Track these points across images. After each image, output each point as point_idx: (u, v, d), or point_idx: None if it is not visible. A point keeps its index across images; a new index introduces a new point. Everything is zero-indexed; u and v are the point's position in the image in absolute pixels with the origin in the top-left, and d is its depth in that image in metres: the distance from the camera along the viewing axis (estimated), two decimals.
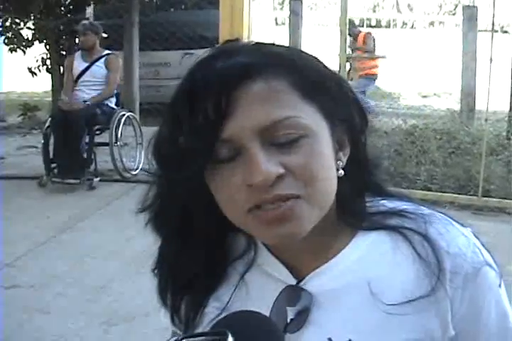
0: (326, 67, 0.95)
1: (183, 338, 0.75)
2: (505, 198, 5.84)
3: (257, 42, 0.94)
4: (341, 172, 0.93)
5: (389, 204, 1.00)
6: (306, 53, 0.95)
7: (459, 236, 0.96)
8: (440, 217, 0.98)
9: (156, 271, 1.06)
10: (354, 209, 0.98)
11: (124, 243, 4.85)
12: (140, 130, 7.35)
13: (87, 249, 5.01)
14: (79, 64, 7.08)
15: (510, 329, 0.99)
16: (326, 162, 0.89)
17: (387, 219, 0.98)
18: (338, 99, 0.93)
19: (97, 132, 6.92)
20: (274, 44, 0.95)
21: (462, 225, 0.99)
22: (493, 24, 6.19)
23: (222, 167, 0.88)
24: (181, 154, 0.89)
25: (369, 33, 10.97)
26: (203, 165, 0.88)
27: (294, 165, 0.86)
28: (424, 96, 13.46)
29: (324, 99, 0.90)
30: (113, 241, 5.09)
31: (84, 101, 6.69)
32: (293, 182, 0.86)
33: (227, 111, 0.85)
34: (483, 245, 0.98)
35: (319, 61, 0.95)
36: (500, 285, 0.97)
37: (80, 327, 3.79)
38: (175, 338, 0.75)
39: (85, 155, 6.68)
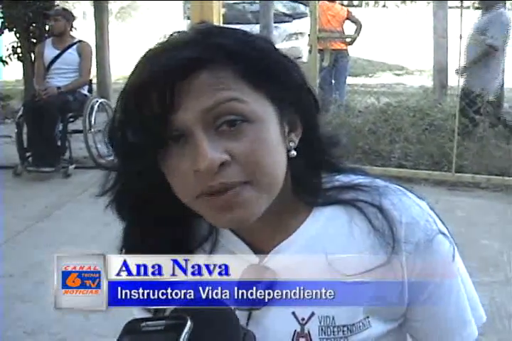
0: (277, 53, 0.95)
1: (143, 321, 0.76)
2: (478, 173, 5.91)
3: (209, 28, 0.93)
4: (293, 152, 0.95)
5: (344, 178, 1.02)
6: (257, 38, 0.95)
7: (412, 206, 0.98)
8: (394, 189, 1.00)
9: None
10: (309, 187, 1.00)
11: (101, 229, 4.83)
12: None
13: (65, 236, 5.00)
14: (49, 51, 6.97)
15: (464, 300, 1.02)
16: (272, 147, 0.91)
17: (342, 194, 1.00)
18: (287, 84, 0.93)
19: (71, 119, 6.86)
20: (226, 29, 0.94)
21: (417, 196, 1.02)
22: (461, 0, 6.22)
23: (172, 153, 0.89)
24: (130, 145, 0.91)
25: None
26: (152, 155, 0.90)
27: (239, 152, 0.88)
28: (397, 74, 13.48)
29: (271, 86, 0.91)
30: (91, 228, 5.07)
31: (58, 88, 6.63)
32: (238, 169, 0.88)
33: (171, 105, 0.86)
34: (437, 216, 1.01)
35: (270, 47, 0.95)
36: (454, 256, 1.00)
37: (61, 314, 3.80)
38: (137, 321, 0.77)
39: (59, 143, 6.64)
